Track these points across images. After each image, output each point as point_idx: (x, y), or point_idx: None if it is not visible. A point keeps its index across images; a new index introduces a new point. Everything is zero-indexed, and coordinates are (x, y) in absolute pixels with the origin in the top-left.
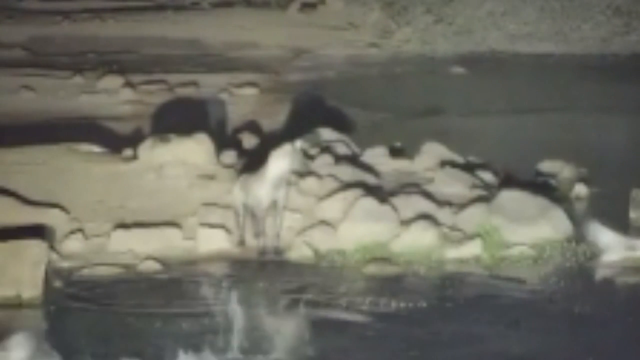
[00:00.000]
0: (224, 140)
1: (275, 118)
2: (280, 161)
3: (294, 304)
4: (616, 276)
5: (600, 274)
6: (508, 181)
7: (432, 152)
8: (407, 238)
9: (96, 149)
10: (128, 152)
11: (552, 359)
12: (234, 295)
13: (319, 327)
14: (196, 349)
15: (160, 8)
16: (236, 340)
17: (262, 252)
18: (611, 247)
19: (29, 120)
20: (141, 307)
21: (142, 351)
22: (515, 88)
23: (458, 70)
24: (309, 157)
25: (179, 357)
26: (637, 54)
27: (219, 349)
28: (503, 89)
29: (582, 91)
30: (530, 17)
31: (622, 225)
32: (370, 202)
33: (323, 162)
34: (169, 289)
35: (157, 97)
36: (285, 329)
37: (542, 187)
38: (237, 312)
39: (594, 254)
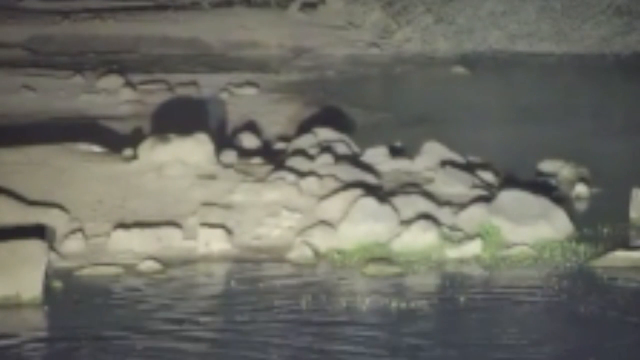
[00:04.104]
0: (224, 140)
1: (275, 118)
2: None
3: (292, 304)
4: (616, 276)
5: (601, 274)
6: (508, 181)
7: (432, 152)
8: (407, 238)
9: (96, 149)
10: (128, 152)
11: (552, 359)
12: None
13: (319, 327)
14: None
15: (160, 8)
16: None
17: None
18: None
19: (29, 120)
20: (140, 306)
21: (142, 350)
22: (515, 87)
23: (458, 69)
24: (309, 157)
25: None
26: (638, 54)
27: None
28: (503, 89)
29: (582, 91)
30: (530, 17)
31: (622, 225)
32: (370, 202)
33: (323, 162)
34: (168, 289)
35: (157, 97)
36: (285, 331)
37: (542, 187)
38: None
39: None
